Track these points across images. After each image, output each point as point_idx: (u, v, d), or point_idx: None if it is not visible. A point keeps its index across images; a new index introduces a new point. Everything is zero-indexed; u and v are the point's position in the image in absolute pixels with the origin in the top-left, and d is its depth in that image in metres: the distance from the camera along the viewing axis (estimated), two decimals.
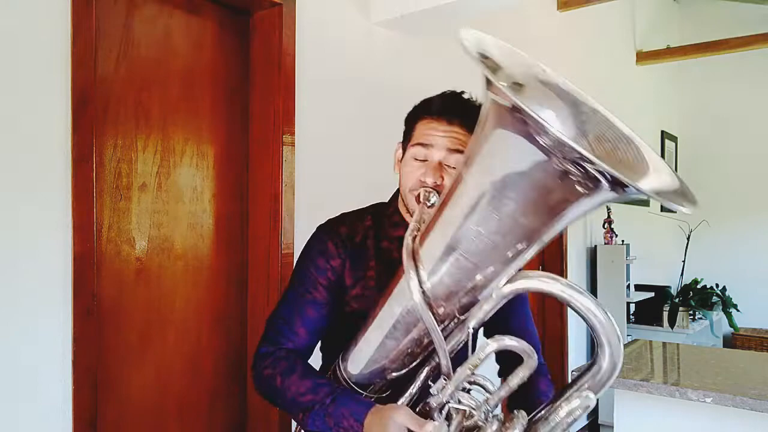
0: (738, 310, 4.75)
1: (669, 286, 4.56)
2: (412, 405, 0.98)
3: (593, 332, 0.83)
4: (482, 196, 0.80)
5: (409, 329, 0.95)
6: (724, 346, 5.08)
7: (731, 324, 4.68)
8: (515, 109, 0.69)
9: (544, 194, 0.74)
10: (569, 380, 0.93)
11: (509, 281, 0.84)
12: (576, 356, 3.86)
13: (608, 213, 4.09)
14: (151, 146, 1.70)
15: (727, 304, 4.69)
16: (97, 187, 1.54)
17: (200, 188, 1.83)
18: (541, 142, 0.68)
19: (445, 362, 0.88)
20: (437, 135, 1.06)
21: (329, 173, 2.10)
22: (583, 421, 3.91)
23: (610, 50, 4.50)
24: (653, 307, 4.35)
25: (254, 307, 1.96)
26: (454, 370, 0.88)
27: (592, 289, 4.03)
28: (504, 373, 1.18)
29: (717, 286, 4.86)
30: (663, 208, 5.40)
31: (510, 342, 0.86)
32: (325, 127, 2.09)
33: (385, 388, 1.06)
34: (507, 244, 0.80)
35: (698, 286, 4.73)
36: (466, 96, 1.11)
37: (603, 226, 4.11)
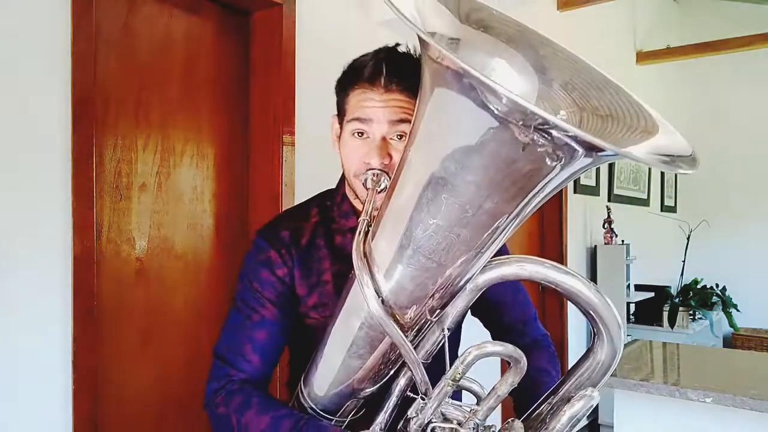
0: (738, 310, 4.75)
1: (669, 286, 4.56)
2: (393, 421, 0.87)
3: (586, 316, 0.74)
4: (434, 181, 0.65)
5: (374, 345, 0.80)
6: (724, 346, 5.08)
7: (731, 324, 4.69)
8: (453, 69, 0.57)
9: (508, 171, 0.60)
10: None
11: (483, 270, 0.73)
12: (576, 357, 3.85)
13: (608, 213, 4.09)
14: (151, 146, 1.69)
15: (727, 304, 4.69)
16: (97, 187, 1.54)
17: (200, 188, 1.83)
18: (493, 107, 0.55)
19: (420, 378, 0.76)
20: (375, 106, 0.88)
21: (329, 173, 2.09)
22: (583, 421, 3.91)
23: (610, 50, 4.49)
24: (653, 307, 4.35)
25: None
26: (434, 384, 0.76)
27: None
28: None
29: (717, 286, 4.86)
30: (663, 208, 5.41)
31: (493, 348, 0.75)
32: (325, 127, 2.07)
33: (358, 408, 0.93)
34: (474, 234, 0.67)
35: (698, 286, 4.74)
36: (402, 50, 0.91)
37: (603, 227, 4.11)
